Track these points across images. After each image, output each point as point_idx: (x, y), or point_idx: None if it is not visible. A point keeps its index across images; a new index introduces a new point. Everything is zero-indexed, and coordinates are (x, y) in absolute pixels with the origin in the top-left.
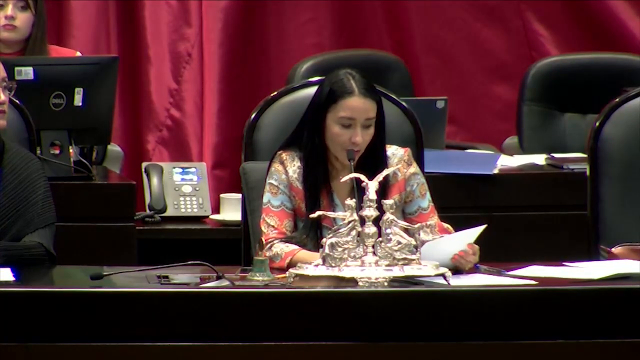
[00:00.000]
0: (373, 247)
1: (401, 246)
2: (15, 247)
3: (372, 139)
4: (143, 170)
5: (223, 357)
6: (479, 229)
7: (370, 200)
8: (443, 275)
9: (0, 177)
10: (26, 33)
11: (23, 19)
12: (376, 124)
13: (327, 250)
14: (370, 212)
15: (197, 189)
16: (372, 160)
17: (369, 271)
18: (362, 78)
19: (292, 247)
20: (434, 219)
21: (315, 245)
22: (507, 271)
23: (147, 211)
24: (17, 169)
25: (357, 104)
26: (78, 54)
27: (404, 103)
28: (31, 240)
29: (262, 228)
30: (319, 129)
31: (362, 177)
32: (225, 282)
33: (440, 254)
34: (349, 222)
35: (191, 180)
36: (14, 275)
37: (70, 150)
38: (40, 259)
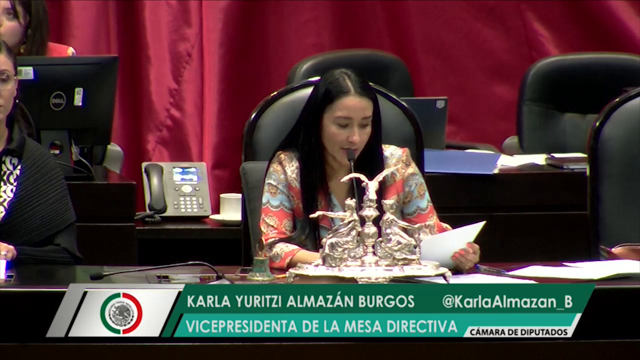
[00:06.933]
0: (373, 247)
1: (401, 246)
2: (40, 252)
3: (368, 137)
4: (143, 170)
5: (225, 357)
6: (479, 226)
7: (370, 200)
8: (443, 275)
9: (23, 169)
10: (11, 42)
11: (7, 28)
12: (372, 122)
13: (327, 250)
14: (370, 212)
15: (197, 189)
16: (368, 159)
17: (369, 271)
18: (357, 77)
19: (292, 247)
20: (433, 219)
21: (314, 245)
22: (507, 271)
23: (147, 211)
24: (37, 162)
25: (353, 104)
26: (71, 49)
27: (403, 103)
28: (55, 244)
29: (262, 228)
30: (315, 130)
31: (362, 177)
32: (226, 282)
33: (440, 250)
34: (349, 222)
35: (191, 180)
36: (5, 273)
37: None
38: (66, 263)
